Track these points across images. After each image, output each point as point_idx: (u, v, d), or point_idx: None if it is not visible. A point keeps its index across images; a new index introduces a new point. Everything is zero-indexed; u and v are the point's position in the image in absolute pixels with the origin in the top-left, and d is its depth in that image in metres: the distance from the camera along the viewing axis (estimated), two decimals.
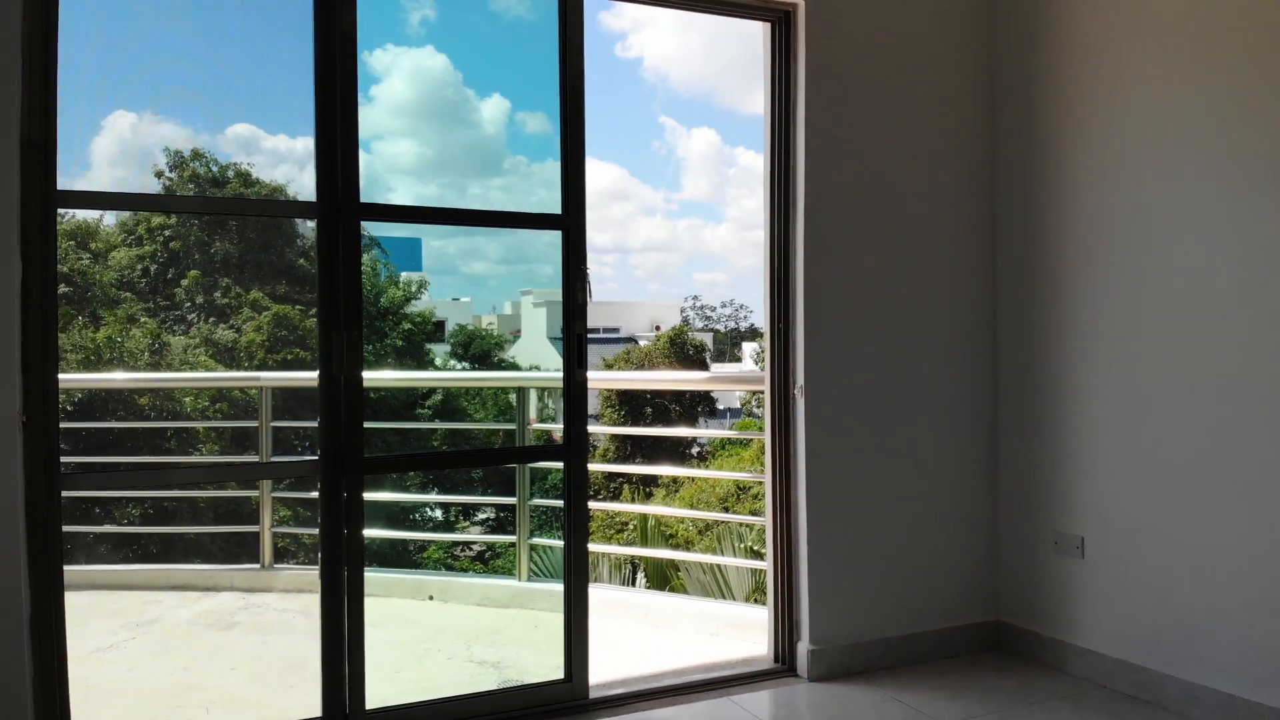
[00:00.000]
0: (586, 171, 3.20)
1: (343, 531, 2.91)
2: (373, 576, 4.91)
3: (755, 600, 6.75)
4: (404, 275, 21.42)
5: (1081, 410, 3.53)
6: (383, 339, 19.50)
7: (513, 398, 5.30)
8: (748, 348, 50.19)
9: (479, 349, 44.04)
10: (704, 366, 26.91)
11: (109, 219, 20.57)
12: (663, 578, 7.79)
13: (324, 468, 2.89)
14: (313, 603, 3.02)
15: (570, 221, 3.17)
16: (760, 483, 14.32)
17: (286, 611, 4.94)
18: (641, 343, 39.20)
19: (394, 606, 4.80)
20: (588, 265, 3.21)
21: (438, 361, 29.32)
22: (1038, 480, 3.73)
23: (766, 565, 3.74)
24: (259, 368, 17.65)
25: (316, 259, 2.92)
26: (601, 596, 4.52)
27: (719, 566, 6.79)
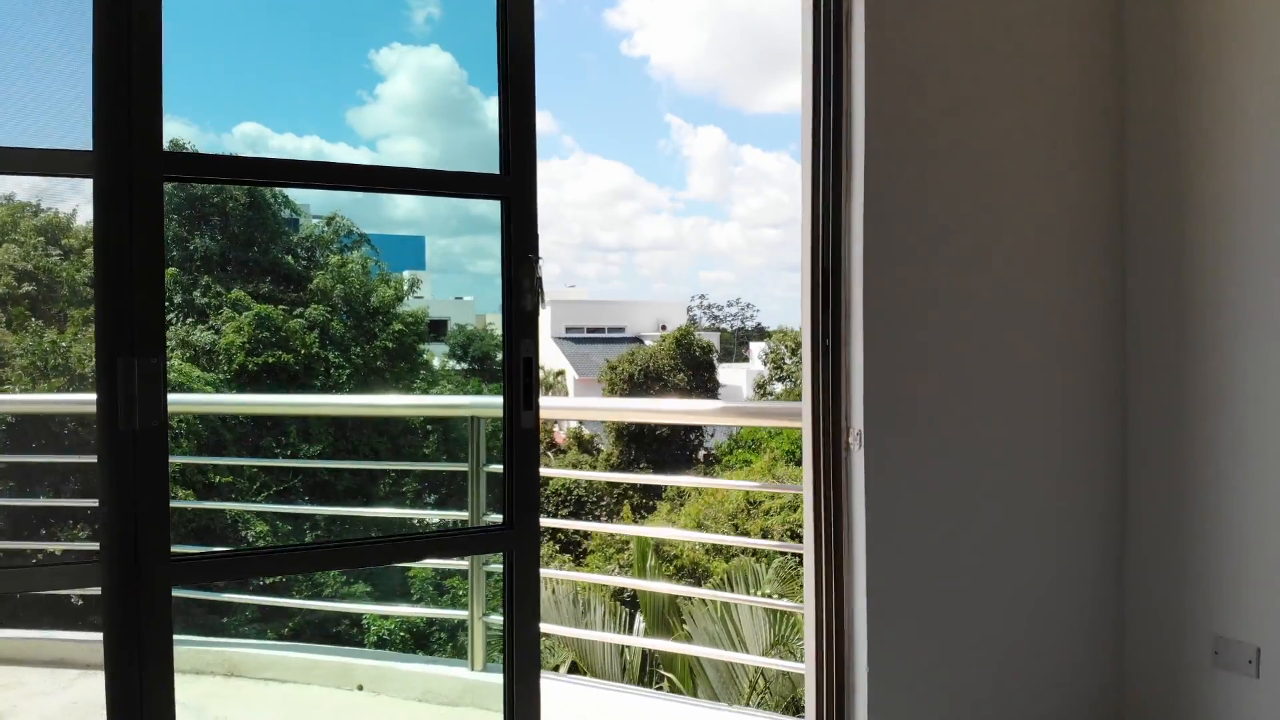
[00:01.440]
0: (537, 127, 2.13)
1: (138, 676, 1.82)
2: (285, 658, 3.82)
3: (780, 649, 5.72)
4: (394, 274, 20.35)
5: (1259, 468, 2.43)
6: (371, 340, 18.47)
7: (465, 429, 4.17)
8: (755, 348, 48.98)
9: (479, 350, 43.00)
10: (711, 370, 25.77)
11: (83, 216, 19.63)
12: (664, 623, 6.70)
13: (107, 569, 1.80)
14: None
15: (513, 186, 2.08)
16: (773, 496, 13.17)
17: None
18: (647, 343, 38.11)
19: (309, 699, 3.71)
20: (539, 255, 2.11)
21: (435, 363, 28.30)
22: (1187, 563, 2.63)
23: (806, 669, 2.67)
24: (238, 372, 16.62)
25: (94, 240, 1.82)
26: (579, 700, 3.45)
27: (731, 612, 5.73)
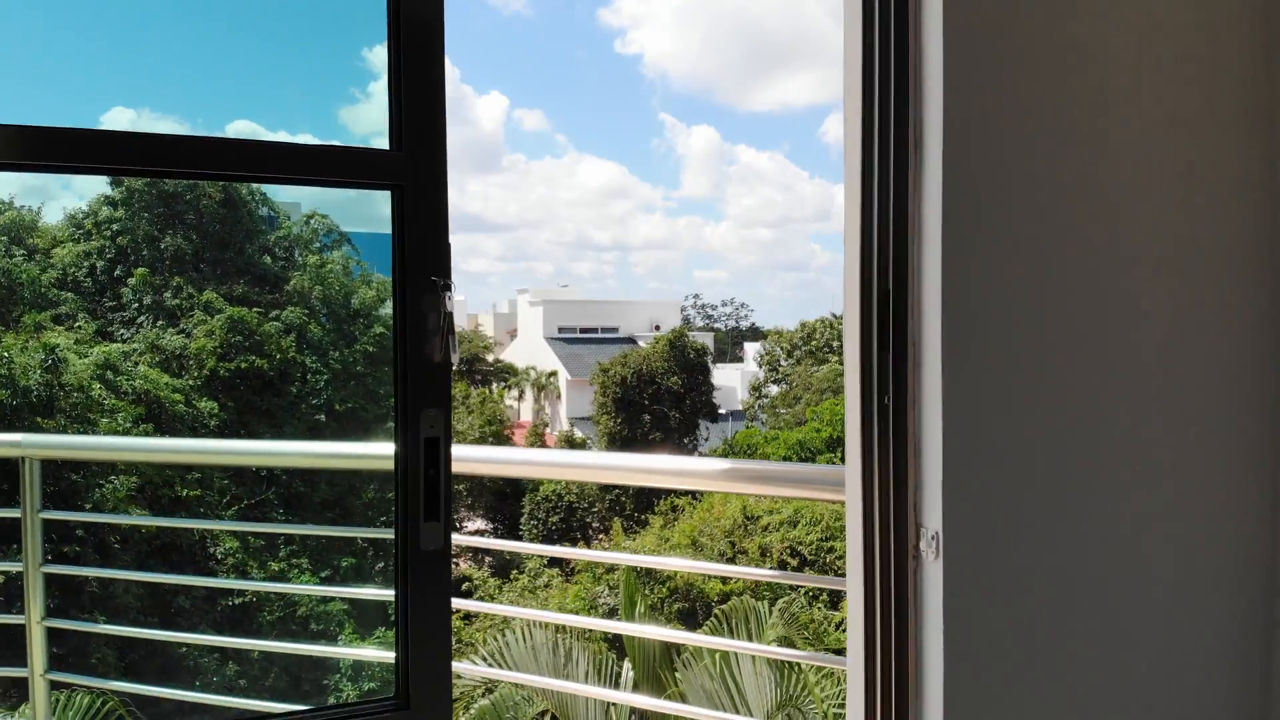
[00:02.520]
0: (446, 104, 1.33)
1: None
2: None
3: (790, 711, 5.01)
4: (377, 275, 19.50)
5: None
6: (351, 344, 17.65)
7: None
8: (750, 348, 48.22)
9: (465, 352, 42.15)
10: (705, 372, 25.01)
11: (52, 214, 18.84)
12: (655, 676, 5.94)
13: None
14: None
15: (408, 170, 1.32)
16: (771, 510, 12.41)
17: None
18: (641, 344, 37.34)
19: None
20: (451, 281, 1.34)
21: None
22: None
23: None
24: (208, 378, 15.82)
25: None
26: None
27: (732, 662, 5.01)
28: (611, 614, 10.33)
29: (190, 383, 15.84)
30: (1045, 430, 1.67)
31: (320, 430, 17.59)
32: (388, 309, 19.31)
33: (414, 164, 1.34)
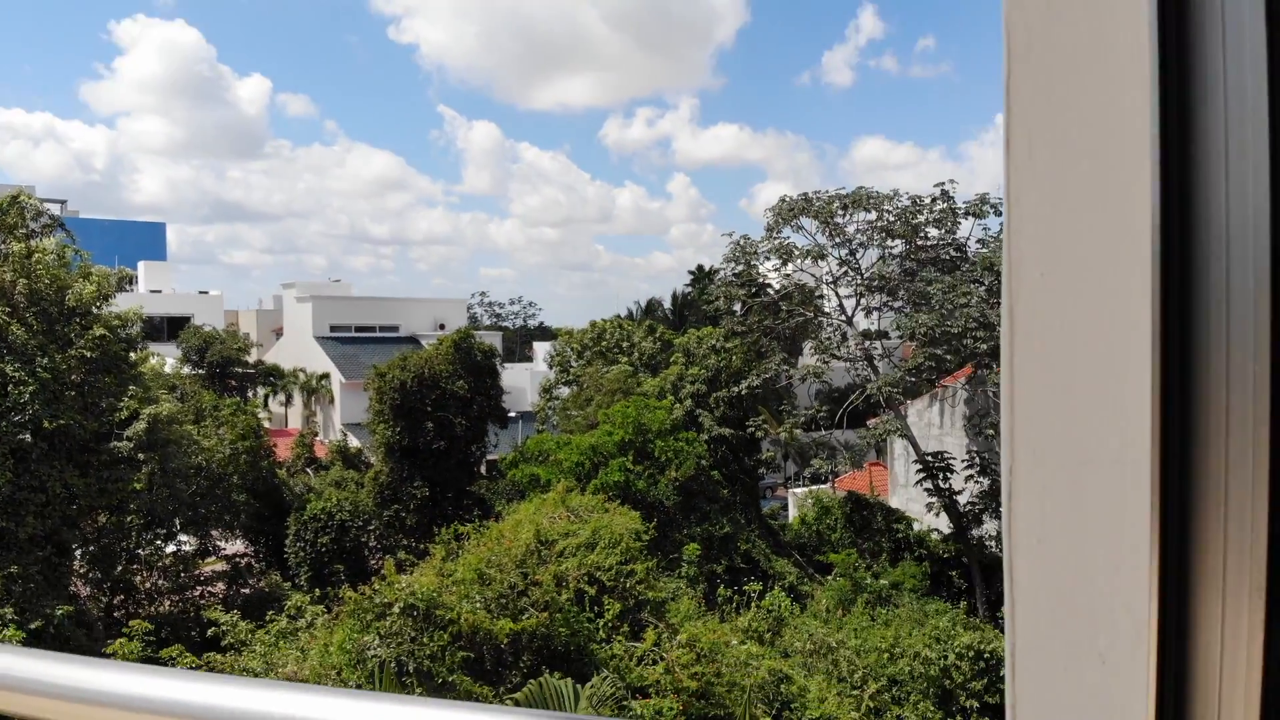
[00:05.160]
0: None
1: None
2: None
3: None
4: (100, 267, 16.46)
5: None
6: (65, 348, 14.64)
7: None
8: (540, 348, 47.04)
9: (217, 354, 38.14)
10: (493, 375, 23.52)
11: None
12: None
13: None
14: None
15: None
16: (567, 534, 11.22)
17: None
18: (424, 344, 35.17)
19: None
20: None
21: (167, 368, 24.04)
22: None
23: None
24: None
25: None
26: None
27: None
28: (379, 669, 8.77)
29: None
30: None
31: (25, 455, 14.57)
32: (115, 306, 16.39)
33: None
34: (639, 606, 10.13)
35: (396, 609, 9.07)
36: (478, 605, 9.29)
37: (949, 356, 20.17)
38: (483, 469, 25.49)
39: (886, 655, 13.00)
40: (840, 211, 21.97)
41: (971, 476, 20.44)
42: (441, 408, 22.05)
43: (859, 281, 22.45)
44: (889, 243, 22.15)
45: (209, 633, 12.94)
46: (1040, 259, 0.82)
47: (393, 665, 8.96)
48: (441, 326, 42.95)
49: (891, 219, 21.62)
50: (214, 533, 19.80)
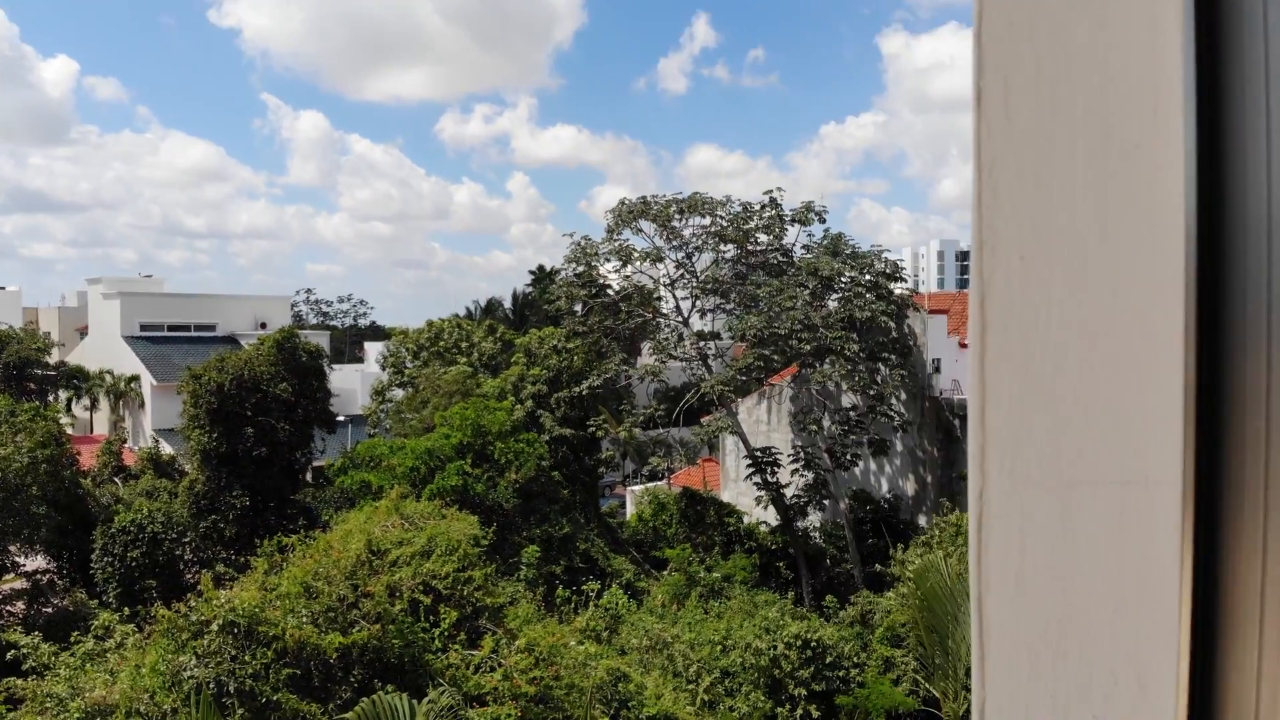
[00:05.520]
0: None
1: None
2: None
3: None
4: None
5: None
6: None
7: None
8: (371, 348, 45.49)
9: (14, 355, 34.79)
10: (320, 377, 22.57)
11: None
12: None
13: None
14: None
15: None
16: (401, 543, 11.01)
17: None
18: (244, 344, 33.26)
19: None
20: None
21: None
22: None
23: None
24: None
25: None
26: None
27: None
28: (196, 691, 8.28)
29: None
30: None
31: None
32: None
33: None
34: (477, 613, 10.02)
35: (215, 626, 8.59)
36: (304, 619, 8.93)
37: (776, 357, 21.07)
38: (309, 476, 24.42)
39: (719, 648, 13.44)
40: (677, 216, 22.53)
41: (796, 470, 21.41)
42: (263, 412, 20.96)
43: (694, 284, 23.07)
44: (722, 247, 22.90)
45: (8, 656, 11.88)
46: (1020, 240, 0.61)
47: (212, 686, 8.47)
48: (263, 325, 40.79)
49: (724, 224, 22.36)
50: (11, 548, 18.30)
